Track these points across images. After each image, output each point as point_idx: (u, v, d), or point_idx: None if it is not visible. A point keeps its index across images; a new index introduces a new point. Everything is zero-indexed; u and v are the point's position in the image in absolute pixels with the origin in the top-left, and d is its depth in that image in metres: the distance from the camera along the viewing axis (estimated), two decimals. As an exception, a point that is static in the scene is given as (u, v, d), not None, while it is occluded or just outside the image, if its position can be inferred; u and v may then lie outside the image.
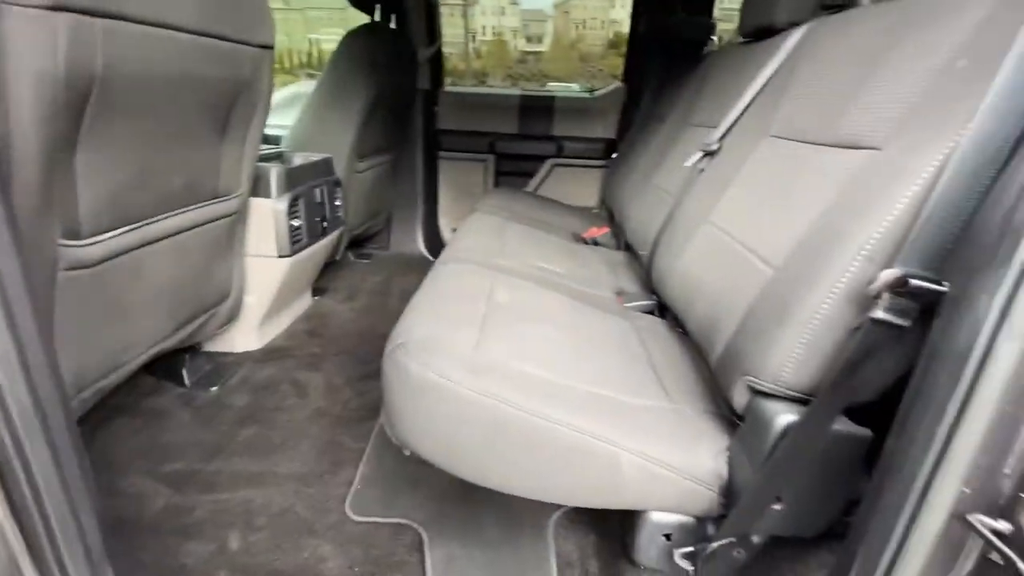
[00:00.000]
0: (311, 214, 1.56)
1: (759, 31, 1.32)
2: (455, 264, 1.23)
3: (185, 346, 1.35)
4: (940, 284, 0.54)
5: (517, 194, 2.29)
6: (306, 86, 2.62)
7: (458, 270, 1.18)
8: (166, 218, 1.04)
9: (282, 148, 1.74)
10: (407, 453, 0.80)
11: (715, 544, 0.73)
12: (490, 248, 1.43)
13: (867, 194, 0.65)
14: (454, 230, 2.75)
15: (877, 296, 0.57)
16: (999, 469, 0.46)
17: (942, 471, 0.49)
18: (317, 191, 1.59)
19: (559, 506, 1.07)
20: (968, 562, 0.49)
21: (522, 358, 0.83)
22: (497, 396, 0.71)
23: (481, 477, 0.76)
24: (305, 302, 1.92)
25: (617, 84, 2.53)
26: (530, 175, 2.62)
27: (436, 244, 2.71)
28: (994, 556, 0.46)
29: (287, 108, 2.60)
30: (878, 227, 0.60)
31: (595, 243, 1.91)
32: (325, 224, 1.67)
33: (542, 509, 1.06)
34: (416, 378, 0.74)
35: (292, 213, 1.45)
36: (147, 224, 0.99)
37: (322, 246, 1.69)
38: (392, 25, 2.05)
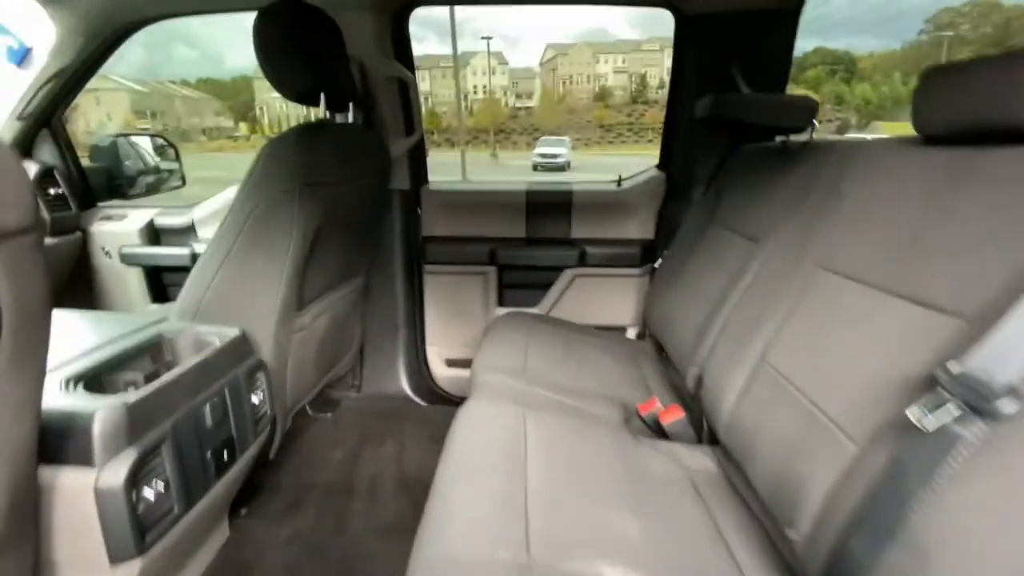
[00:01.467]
0: (195, 453, 0.91)
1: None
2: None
3: None
4: None
5: (533, 326, 1.65)
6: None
7: None
8: None
9: (163, 326, 1.11)
10: None
11: None
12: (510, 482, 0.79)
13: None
14: (449, 364, 2.13)
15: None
16: None
17: None
18: (208, 407, 0.94)
19: None
20: None
21: None
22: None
23: None
24: (217, 541, 1.23)
25: (652, 172, 1.95)
26: (544, 287, 2.00)
27: (423, 382, 2.06)
28: None
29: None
30: None
31: (659, 428, 1.25)
32: (232, 450, 1.01)
33: None
34: None
35: (142, 482, 0.79)
36: None
37: (226, 483, 1.03)
38: (349, 117, 1.48)
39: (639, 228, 1.93)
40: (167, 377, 0.87)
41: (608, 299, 1.98)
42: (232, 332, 1.06)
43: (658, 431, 1.26)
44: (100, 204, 2.05)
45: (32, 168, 1.77)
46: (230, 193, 1.99)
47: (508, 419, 1.07)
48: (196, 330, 1.06)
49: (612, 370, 1.51)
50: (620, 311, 1.99)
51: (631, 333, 2.01)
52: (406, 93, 1.74)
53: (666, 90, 1.91)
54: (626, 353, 1.65)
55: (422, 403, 2.04)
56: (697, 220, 1.62)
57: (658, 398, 1.31)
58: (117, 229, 1.95)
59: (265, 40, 1.13)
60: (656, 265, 1.85)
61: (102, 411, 0.75)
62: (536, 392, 1.24)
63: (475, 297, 2.02)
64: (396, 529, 1.36)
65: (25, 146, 1.85)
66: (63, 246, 1.86)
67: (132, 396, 0.79)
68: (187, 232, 2.00)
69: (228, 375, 1.02)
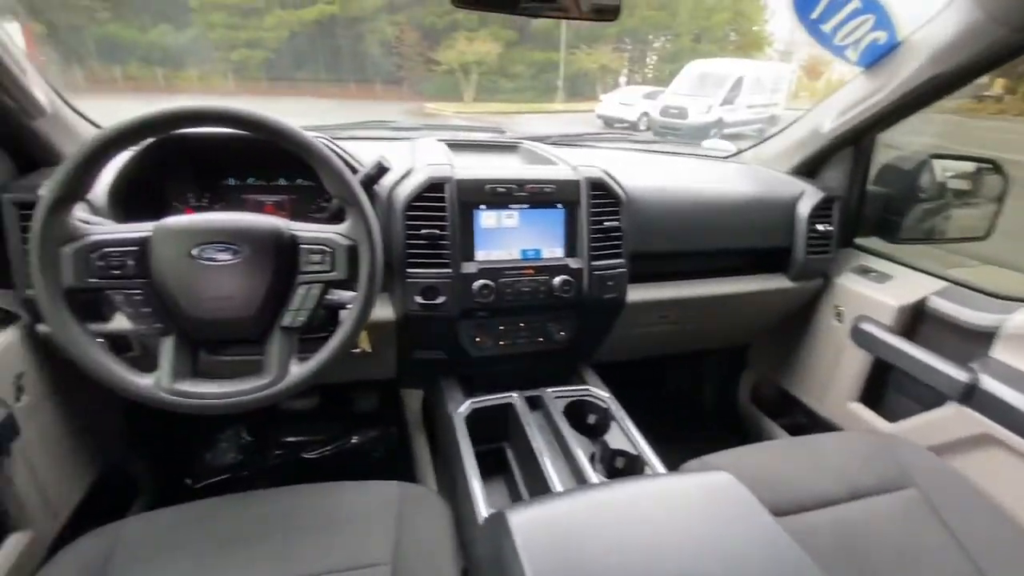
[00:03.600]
0: None
1: None
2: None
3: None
4: None
5: None
6: None
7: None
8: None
9: None
10: None
11: None
12: None
13: None
14: None
15: None
16: None
17: None
18: None
19: None
20: None
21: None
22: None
23: None
24: None
25: None
26: None
27: None
28: None
29: None
30: None
31: None
32: None
33: None
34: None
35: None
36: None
37: None
38: None
39: None
40: None
41: None
42: None
43: None
44: (856, 241, 1.55)
45: (814, 196, 1.42)
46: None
47: None
48: None
49: None
50: None
51: None
52: None
53: None
54: None
55: None
56: None
57: None
58: (872, 295, 1.39)
59: None
60: None
61: None
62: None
63: None
64: None
65: (810, 168, 1.52)
66: (798, 292, 1.50)
67: None
68: (978, 339, 1.20)
69: None
